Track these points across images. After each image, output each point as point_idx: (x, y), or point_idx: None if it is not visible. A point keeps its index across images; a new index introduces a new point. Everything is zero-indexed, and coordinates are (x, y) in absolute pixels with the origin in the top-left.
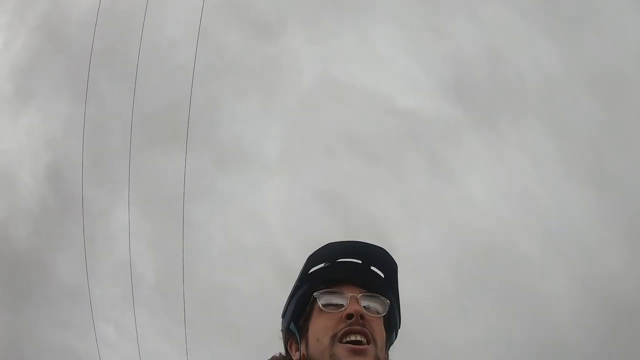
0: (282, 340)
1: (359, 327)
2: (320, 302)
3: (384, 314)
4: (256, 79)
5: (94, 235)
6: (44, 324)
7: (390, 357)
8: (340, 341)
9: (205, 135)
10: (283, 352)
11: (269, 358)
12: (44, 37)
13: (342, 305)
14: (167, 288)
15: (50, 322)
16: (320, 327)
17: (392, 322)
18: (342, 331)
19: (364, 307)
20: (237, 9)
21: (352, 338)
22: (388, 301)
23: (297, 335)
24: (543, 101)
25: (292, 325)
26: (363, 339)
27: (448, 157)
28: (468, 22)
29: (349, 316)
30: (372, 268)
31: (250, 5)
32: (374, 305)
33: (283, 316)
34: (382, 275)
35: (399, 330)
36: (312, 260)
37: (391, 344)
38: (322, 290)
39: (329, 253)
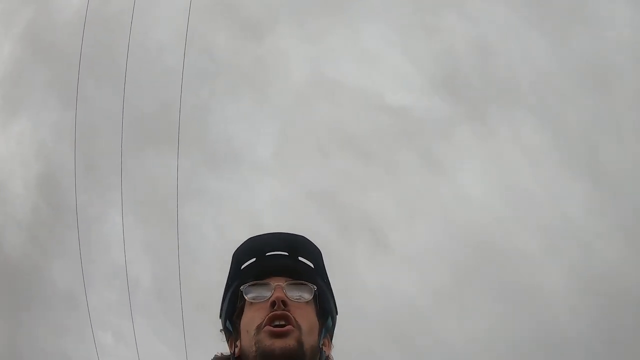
0: (224, 341)
1: (280, 312)
2: (247, 296)
3: (309, 299)
4: (247, 79)
5: (88, 241)
6: (41, 332)
7: (333, 345)
8: (264, 328)
9: (197, 136)
10: (226, 352)
11: (212, 358)
12: (29, 44)
13: (267, 296)
14: (163, 291)
15: (47, 329)
16: (248, 319)
17: (325, 308)
18: (266, 318)
19: (292, 294)
20: (225, 9)
21: (276, 323)
22: (315, 287)
23: (232, 331)
24: (535, 95)
25: (227, 323)
26: (285, 323)
27: (441, 153)
28: (458, 17)
29: (272, 304)
30: (300, 258)
31: (238, 5)
32: (301, 293)
33: (220, 315)
34: (312, 265)
35: (336, 317)
36: (239, 255)
37: (328, 330)
38: (249, 284)
39: (256, 247)
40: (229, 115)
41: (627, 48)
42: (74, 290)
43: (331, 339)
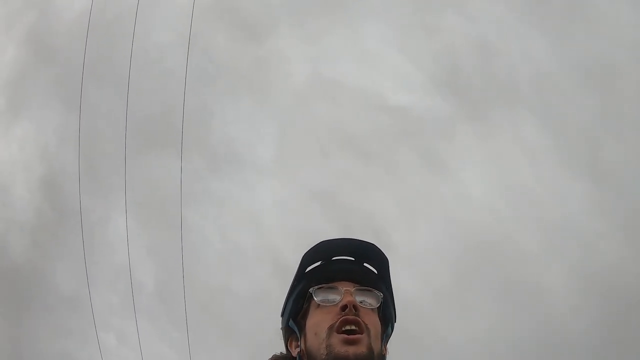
0: (282, 339)
1: (352, 317)
2: (316, 298)
3: (377, 306)
4: (247, 81)
5: (91, 244)
6: (44, 334)
7: (388, 351)
8: (337, 331)
9: (199, 138)
10: (284, 350)
11: (270, 357)
12: (32, 47)
13: (336, 300)
14: (166, 293)
15: (51, 331)
16: (317, 321)
17: (386, 315)
18: (338, 322)
19: (358, 300)
20: (225, 11)
21: (347, 327)
22: (381, 294)
23: (297, 332)
24: (536, 93)
25: (290, 322)
26: (357, 328)
27: (442, 153)
28: (458, 17)
29: (343, 307)
30: (365, 264)
31: (238, 8)
32: (368, 299)
33: (282, 314)
34: (375, 272)
35: (395, 325)
36: (308, 258)
37: (387, 337)
38: (317, 287)
39: (324, 251)
40: (230, 117)
41: (628, 47)
42: (77, 293)
43: (386, 346)
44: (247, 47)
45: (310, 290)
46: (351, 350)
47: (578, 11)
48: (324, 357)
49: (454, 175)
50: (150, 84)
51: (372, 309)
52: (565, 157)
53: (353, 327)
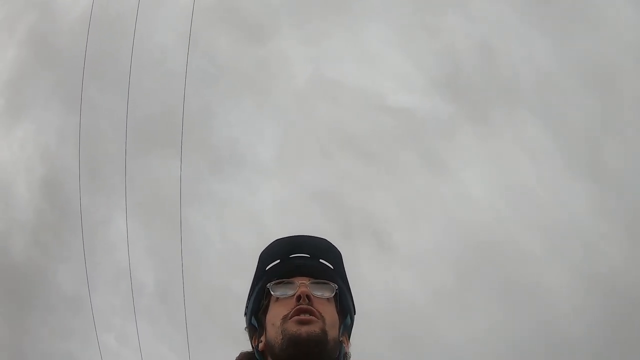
0: (247, 339)
1: (305, 306)
2: (273, 293)
3: (332, 295)
4: (249, 82)
5: (92, 244)
6: (45, 334)
7: (350, 343)
8: (291, 319)
9: (200, 139)
10: (248, 349)
11: (237, 356)
12: (33, 48)
13: (292, 294)
14: (167, 294)
15: (52, 331)
16: (274, 313)
17: (344, 306)
18: (292, 311)
19: (315, 293)
20: (226, 12)
21: (301, 316)
22: (335, 285)
23: (257, 327)
24: (537, 95)
25: (252, 320)
26: (310, 316)
27: (444, 154)
28: (459, 18)
29: (298, 298)
30: (321, 260)
31: (240, 8)
32: (323, 291)
33: (245, 314)
34: (331, 267)
35: (354, 317)
36: (265, 257)
37: (347, 328)
38: (275, 282)
39: (281, 249)
40: (231, 117)
41: (629, 48)
42: (78, 293)
43: (349, 338)
44: (248, 48)
45: (268, 285)
46: (304, 328)
47: (579, 12)
48: (279, 342)
49: (454, 176)
50: (152, 84)
51: (326, 298)
52: (566, 158)
53: (307, 315)
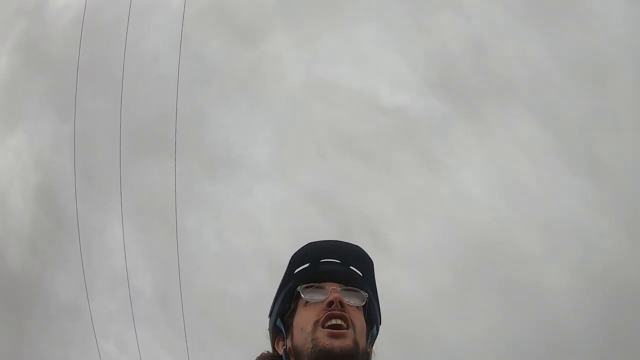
0: (269, 340)
1: (339, 312)
2: (303, 296)
3: (362, 304)
4: (242, 84)
5: (89, 251)
6: (43, 342)
7: (374, 352)
8: (322, 326)
9: (194, 143)
10: (270, 350)
11: (257, 356)
12: (25, 55)
13: (323, 299)
14: (165, 298)
15: (50, 340)
16: (304, 318)
17: (371, 316)
18: (323, 316)
19: (345, 299)
20: (218, 15)
21: (333, 322)
22: (366, 294)
23: (284, 331)
24: (532, 91)
25: (278, 322)
26: (343, 323)
27: (439, 153)
28: (452, 16)
29: (330, 303)
30: (351, 267)
31: (231, 11)
32: (353, 298)
33: (270, 315)
34: (361, 274)
35: (380, 327)
36: (296, 260)
37: (373, 338)
38: (305, 285)
39: (311, 253)
40: (225, 120)
41: (623, 43)
42: (75, 301)
43: (372, 347)
44: (241, 50)
45: (298, 288)
46: (336, 343)
47: (572, 8)
48: (309, 351)
49: (452, 175)
50: (145, 89)
51: (357, 307)
52: (563, 155)
53: (339, 322)
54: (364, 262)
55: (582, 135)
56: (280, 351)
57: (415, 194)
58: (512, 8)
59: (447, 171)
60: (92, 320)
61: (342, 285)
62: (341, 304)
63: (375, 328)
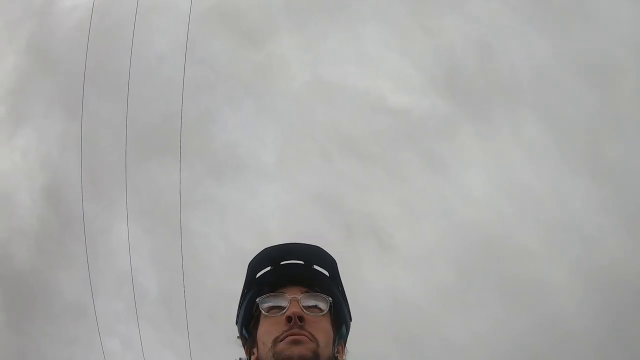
0: (241, 346)
1: (297, 330)
2: (262, 307)
3: (326, 311)
4: (248, 86)
5: (94, 251)
6: (49, 341)
7: (347, 350)
8: (282, 341)
9: (200, 144)
10: (244, 356)
11: None
12: (33, 56)
13: (283, 307)
14: (170, 299)
15: (55, 339)
16: (264, 332)
17: (340, 316)
18: (283, 334)
19: (308, 305)
20: (223, 17)
21: (293, 337)
22: (330, 298)
23: (249, 340)
24: (536, 92)
25: (243, 331)
26: (303, 336)
27: (443, 153)
28: (457, 17)
29: (288, 319)
30: (315, 267)
31: (236, 13)
32: (317, 302)
33: (236, 323)
34: (327, 273)
35: (350, 324)
36: (255, 264)
37: (342, 337)
38: (264, 295)
39: (271, 256)
40: (231, 122)
41: (628, 45)
42: (81, 300)
43: (345, 344)
44: (247, 52)
45: (258, 300)
46: (296, 350)
47: (578, 9)
48: None
49: (454, 175)
50: (151, 91)
51: (320, 312)
52: (566, 155)
53: (299, 336)
54: (327, 261)
55: (585, 136)
56: (252, 359)
57: (419, 194)
58: (518, 9)
59: (451, 172)
60: (96, 319)
61: (304, 289)
62: (300, 318)
63: (344, 328)
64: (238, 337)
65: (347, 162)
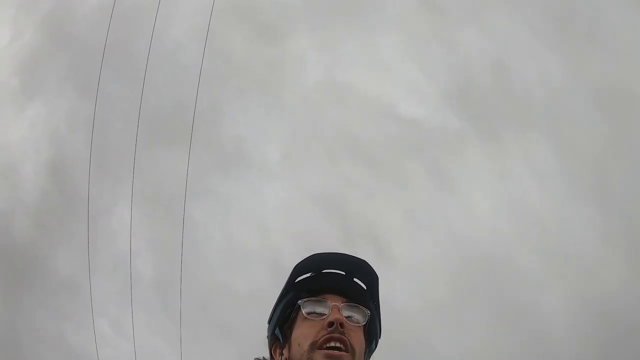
0: (267, 345)
1: (338, 335)
2: (304, 310)
3: (364, 324)
4: (261, 82)
5: (93, 231)
6: (40, 315)
7: None
8: (320, 348)
9: (208, 136)
10: (267, 356)
11: (254, 359)
12: (49, 32)
13: (324, 314)
14: (164, 286)
15: (47, 313)
16: (302, 333)
17: (372, 332)
18: (322, 338)
19: (346, 316)
20: (244, 11)
21: (332, 344)
22: (368, 312)
23: (281, 340)
24: (548, 115)
25: (277, 331)
26: (342, 346)
27: (450, 167)
28: (475, 33)
29: (330, 324)
30: (355, 280)
31: (257, 9)
32: (355, 314)
33: (269, 322)
34: (365, 287)
35: (379, 341)
36: (299, 269)
37: (371, 353)
38: (306, 299)
39: (315, 263)
40: (240, 116)
41: None
42: (75, 278)
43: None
44: (263, 47)
45: (299, 301)
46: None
47: (595, 35)
48: None
49: (459, 191)
50: (165, 77)
51: (358, 326)
52: (572, 182)
53: (338, 345)
54: (369, 275)
55: (594, 165)
56: (278, 359)
57: (422, 205)
58: (536, 30)
59: (456, 187)
60: (91, 297)
61: (344, 299)
62: (342, 325)
63: (374, 343)
64: (267, 336)
65: (352, 166)
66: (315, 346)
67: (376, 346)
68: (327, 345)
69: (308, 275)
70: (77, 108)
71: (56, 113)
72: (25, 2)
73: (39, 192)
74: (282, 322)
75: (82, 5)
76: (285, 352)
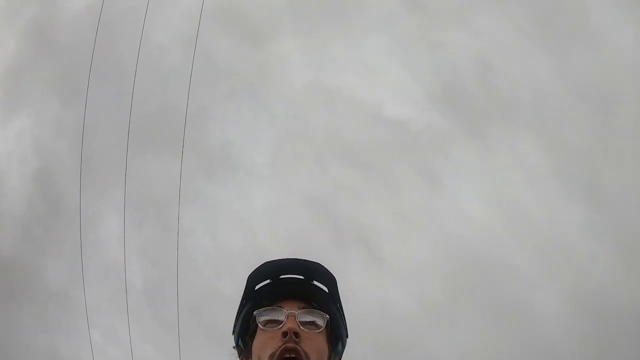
0: (236, 356)
1: (292, 345)
2: (259, 320)
3: (323, 328)
4: (247, 86)
5: (83, 240)
6: (30, 328)
7: None
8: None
9: (195, 140)
10: None
11: None
12: (33, 40)
13: (281, 322)
14: (155, 293)
15: (36, 325)
16: (260, 345)
17: (336, 333)
18: (279, 350)
19: (305, 321)
20: (229, 15)
21: (286, 356)
22: (327, 315)
23: (244, 351)
24: (535, 114)
25: (239, 342)
26: (295, 356)
27: (439, 168)
28: (460, 32)
29: (284, 334)
30: (315, 283)
31: (242, 12)
32: (314, 318)
33: (232, 333)
34: (326, 290)
35: (346, 341)
36: (254, 277)
37: (338, 354)
38: (262, 309)
39: (272, 270)
40: (227, 120)
41: (629, 69)
42: (64, 288)
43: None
44: (249, 50)
45: (255, 313)
46: None
47: (580, 32)
48: None
49: (449, 191)
50: (150, 82)
51: (316, 329)
52: (562, 179)
53: (292, 356)
54: (327, 277)
55: (583, 161)
56: None
57: (412, 207)
58: (521, 28)
59: (445, 187)
60: (86, 308)
61: (302, 304)
62: (296, 334)
63: (340, 345)
64: (234, 346)
65: (340, 169)
66: (273, 358)
67: (343, 347)
68: (283, 357)
69: (266, 282)
70: (62, 116)
71: (41, 122)
72: (7, 10)
73: (25, 202)
74: (244, 332)
75: (66, 12)
76: None
